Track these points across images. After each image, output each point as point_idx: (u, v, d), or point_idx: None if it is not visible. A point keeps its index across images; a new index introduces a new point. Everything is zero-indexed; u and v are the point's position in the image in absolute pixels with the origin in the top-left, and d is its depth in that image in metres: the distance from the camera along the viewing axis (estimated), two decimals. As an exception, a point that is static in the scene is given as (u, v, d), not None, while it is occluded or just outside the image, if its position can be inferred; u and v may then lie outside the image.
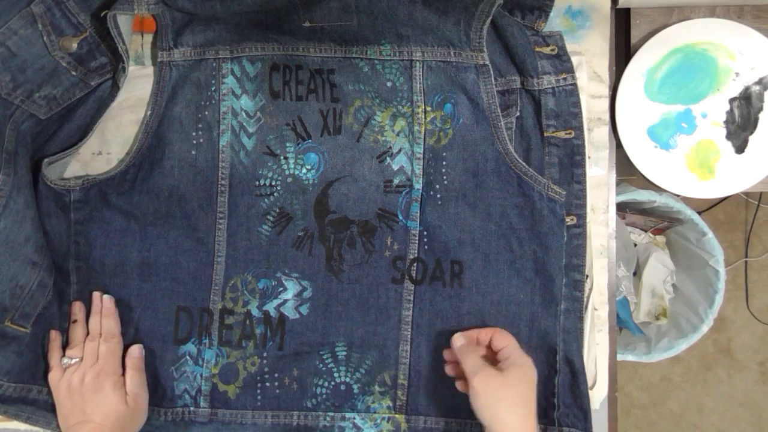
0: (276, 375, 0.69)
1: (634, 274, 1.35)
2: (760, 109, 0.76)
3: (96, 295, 0.69)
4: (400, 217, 0.68)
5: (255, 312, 0.69)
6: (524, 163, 0.67)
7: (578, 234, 0.69)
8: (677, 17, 0.76)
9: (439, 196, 0.68)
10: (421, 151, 0.68)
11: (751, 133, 0.76)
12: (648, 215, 1.34)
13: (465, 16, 0.64)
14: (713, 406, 1.61)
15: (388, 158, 0.68)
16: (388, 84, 0.67)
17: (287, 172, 0.69)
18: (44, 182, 0.67)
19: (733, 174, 0.77)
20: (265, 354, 0.69)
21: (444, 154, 0.67)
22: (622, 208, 1.30)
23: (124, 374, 0.66)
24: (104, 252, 0.69)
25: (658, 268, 1.34)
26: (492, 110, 0.66)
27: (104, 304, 0.68)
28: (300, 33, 0.66)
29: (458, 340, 0.65)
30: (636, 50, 0.75)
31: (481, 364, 0.61)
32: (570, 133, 0.68)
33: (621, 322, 1.29)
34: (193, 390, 0.69)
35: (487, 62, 0.65)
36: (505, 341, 0.63)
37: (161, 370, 0.69)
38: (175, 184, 0.69)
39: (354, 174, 0.68)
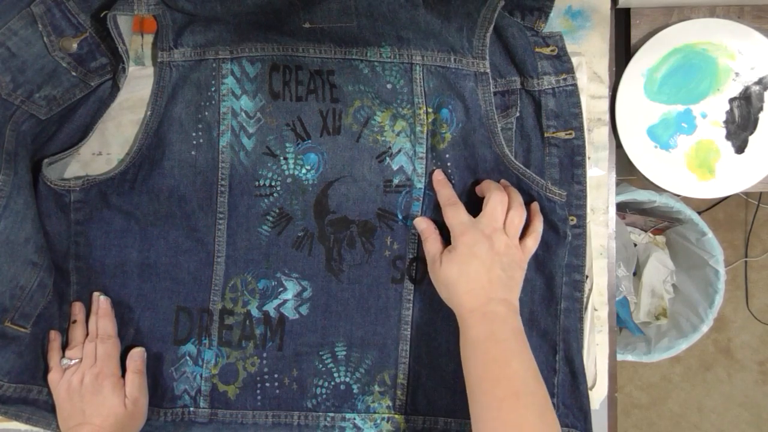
0: (276, 375, 0.69)
1: (634, 274, 1.36)
2: (760, 109, 0.76)
3: (94, 295, 0.69)
4: (400, 217, 0.68)
5: (255, 312, 0.69)
6: (523, 166, 0.66)
7: (578, 234, 0.69)
8: (677, 17, 0.76)
9: (440, 195, 0.68)
10: (424, 151, 0.68)
11: (751, 133, 0.76)
12: (648, 215, 1.34)
13: (467, 22, 0.64)
14: (713, 406, 1.61)
15: (387, 158, 0.68)
16: (388, 86, 0.67)
17: (287, 173, 0.69)
18: (44, 182, 0.67)
19: (733, 174, 0.77)
20: (264, 354, 0.69)
21: (447, 155, 0.67)
22: (622, 208, 1.30)
23: (124, 375, 0.66)
24: (104, 252, 0.69)
25: (658, 268, 1.34)
26: (489, 117, 0.66)
27: (100, 304, 0.68)
28: (300, 34, 0.66)
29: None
30: (636, 50, 0.75)
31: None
32: (570, 134, 0.68)
33: (621, 322, 1.30)
34: (192, 390, 0.69)
35: (488, 70, 0.65)
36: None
37: (161, 371, 0.69)
38: (175, 184, 0.69)
39: (353, 174, 0.68)
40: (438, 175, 0.67)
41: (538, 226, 0.64)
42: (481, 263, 0.60)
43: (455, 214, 0.63)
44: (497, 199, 0.62)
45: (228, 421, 0.69)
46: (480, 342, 0.58)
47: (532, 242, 0.63)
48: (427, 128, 0.67)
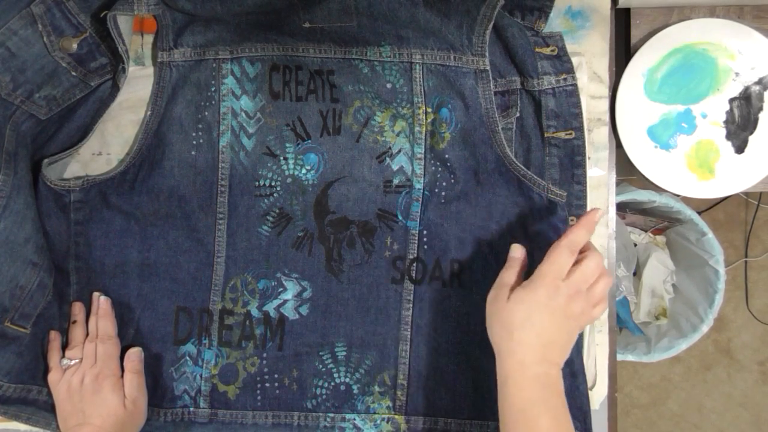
0: (276, 375, 0.69)
1: (634, 274, 1.36)
2: (760, 109, 0.76)
3: (95, 295, 0.69)
4: (400, 217, 0.68)
5: (255, 312, 0.69)
6: (523, 167, 0.66)
7: (578, 234, 0.68)
8: (677, 17, 0.76)
9: (443, 194, 0.68)
10: (422, 151, 0.68)
11: (751, 133, 0.76)
12: (648, 215, 1.34)
13: (467, 20, 0.64)
14: (713, 406, 1.61)
15: (387, 158, 0.68)
16: (388, 86, 0.67)
17: (287, 173, 0.69)
18: (44, 182, 0.67)
19: (733, 174, 0.77)
20: (264, 354, 0.69)
21: (447, 156, 0.67)
22: (622, 208, 1.30)
23: (123, 375, 0.66)
24: (104, 252, 0.69)
25: (658, 268, 1.34)
26: (490, 115, 0.66)
27: (100, 304, 0.68)
28: (300, 34, 0.66)
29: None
30: (636, 50, 0.75)
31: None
32: (570, 134, 0.68)
33: (621, 322, 1.29)
34: (192, 390, 0.69)
35: (488, 67, 0.65)
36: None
37: (161, 371, 0.69)
38: (175, 184, 0.69)
39: (353, 174, 0.68)
40: (593, 216, 0.59)
41: (607, 294, 0.60)
42: (552, 320, 0.56)
43: (562, 260, 0.57)
44: (595, 263, 0.57)
45: (228, 422, 0.69)
46: (530, 406, 0.54)
47: (599, 312, 0.59)
48: (425, 129, 0.67)
